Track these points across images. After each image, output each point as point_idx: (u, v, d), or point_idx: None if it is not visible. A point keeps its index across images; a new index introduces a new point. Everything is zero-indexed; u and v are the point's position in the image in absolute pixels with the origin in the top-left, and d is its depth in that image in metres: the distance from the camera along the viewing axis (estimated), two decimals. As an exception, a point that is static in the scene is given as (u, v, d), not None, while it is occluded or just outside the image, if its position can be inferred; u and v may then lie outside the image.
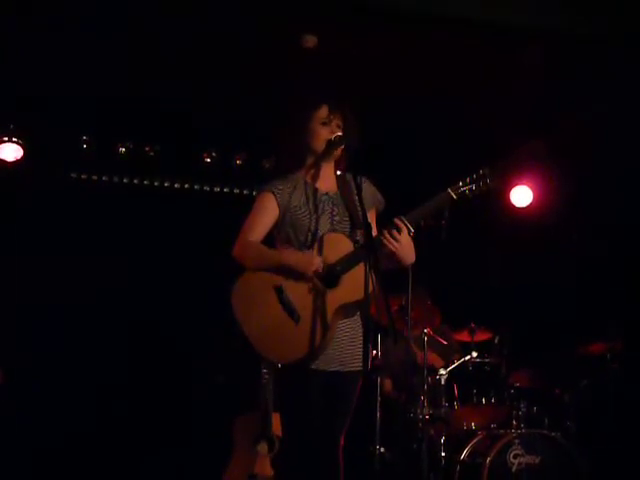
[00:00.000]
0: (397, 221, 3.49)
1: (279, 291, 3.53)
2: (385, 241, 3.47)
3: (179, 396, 6.32)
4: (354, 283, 3.44)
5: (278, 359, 3.60)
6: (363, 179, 3.74)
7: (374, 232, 3.50)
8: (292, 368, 3.55)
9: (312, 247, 3.60)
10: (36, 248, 6.36)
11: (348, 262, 3.52)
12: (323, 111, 3.73)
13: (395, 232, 3.46)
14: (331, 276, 3.52)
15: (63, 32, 5.38)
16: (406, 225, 3.49)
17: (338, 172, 3.80)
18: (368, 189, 3.75)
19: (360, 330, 3.57)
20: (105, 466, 6.08)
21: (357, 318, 3.62)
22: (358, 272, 3.42)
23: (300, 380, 3.55)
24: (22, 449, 6.01)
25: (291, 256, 3.59)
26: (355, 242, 3.56)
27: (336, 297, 3.50)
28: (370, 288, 3.36)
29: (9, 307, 6.13)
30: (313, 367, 3.53)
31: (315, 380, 3.54)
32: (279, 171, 3.92)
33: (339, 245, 3.56)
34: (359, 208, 3.47)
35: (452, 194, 3.52)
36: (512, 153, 6.56)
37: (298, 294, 3.51)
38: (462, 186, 3.53)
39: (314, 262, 3.50)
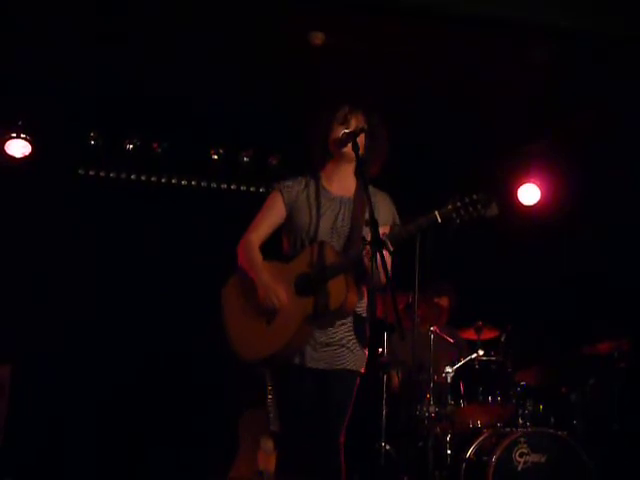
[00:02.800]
0: (385, 241, 3.45)
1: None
2: (366, 260, 3.45)
3: (188, 393, 6.35)
4: (328, 293, 3.50)
5: (244, 356, 3.66)
6: (384, 195, 3.75)
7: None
8: (283, 367, 3.61)
9: (311, 250, 3.60)
10: (43, 243, 6.37)
11: (326, 273, 3.53)
12: (344, 111, 3.71)
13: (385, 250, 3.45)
14: (306, 286, 3.56)
15: (71, 30, 5.39)
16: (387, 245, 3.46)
17: (350, 175, 3.79)
18: (387, 207, 3.75)
19: (352, 332, 3.62)
20: (116, 460, 6.14)
21: (349, 320, 3.63)
22: (335, 282, 3.49)
23: (292, 377, 3.60)
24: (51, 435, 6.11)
25: (263, 280, 3.61)
26: (344, 252, 3.58)
27: (307, 305, 3.53)
28: (343, 298, 3.44)
29: (18, 300, 6.17)
30: (307, 365, 3.56)
31: (301, 375, 3.57)
32: (286, 168, 3.94)
33: (324, 256, 3.57)
34: (367, 215, 3.43)
35: (437, 217, 3.44)
36: (520, 151, 6.60)
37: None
38: (451, 210, 3.42)
39: (272, 297, 3.56)
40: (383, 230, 3.57)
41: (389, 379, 5.47)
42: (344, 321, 3.60)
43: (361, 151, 3.61)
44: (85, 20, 5.24)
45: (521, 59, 5.50)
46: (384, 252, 3.36)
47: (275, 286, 3.57)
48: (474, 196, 3.42)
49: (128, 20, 5.24)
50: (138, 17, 5.23)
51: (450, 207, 3.43)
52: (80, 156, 6.67)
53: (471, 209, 3.42)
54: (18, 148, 6.39)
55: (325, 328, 3.57)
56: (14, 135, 6.36)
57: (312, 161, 3.84)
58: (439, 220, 3.44)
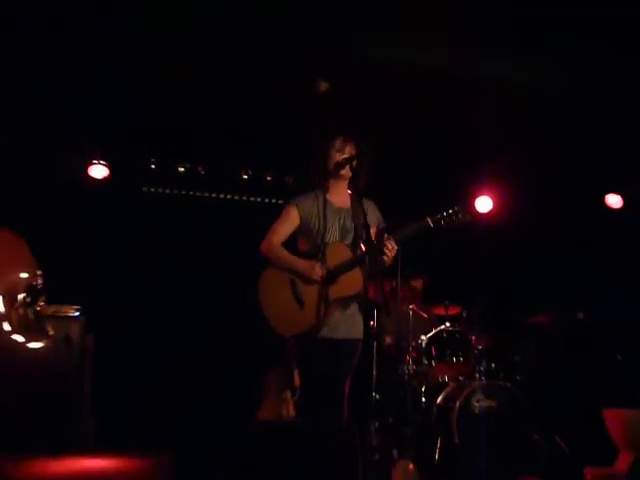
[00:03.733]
0: (390, 238, 3.52)
1: (292, 283, 3.59)
2: (386, 250, 3.48)
3: (228, 357, 6.36)
4: (348, 282, 3.52)
5: (283, 332, 3.63)
6: (370, 202, 3.74)
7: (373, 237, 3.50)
8: (305, 337, 3.60)
9: (320, 252, 3.61)
10: (117, 241, 6.43)
11: (344, 266, 3.55)
12: (338, 141, 3.71)
13: (390, 245, 3.49)
14: (331, 276, 3.56)
15: (134, 78, 5.37)
16: (394, 243, 3.51)
17: (349, 191, 3.77)
18: (374, 211, 3.74)
19: (358, 312, 3.63)
20: (173, 407, 6.09)
21: (355, 304, 3.64)
22: (353, 273, 3.51)
23: (309, 345, 3.60)
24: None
25: (299, 264, 3.61)
26: (353, 250, 3.58)
27: (333, 291, 3.54)
28: (362, 285, 3.44)
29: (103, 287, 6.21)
30: (323, 335, 3.56)
31: (321, 345, 3.57)
32: (303, 187, 3.93)
33: (340, 252, 3.58)
34: (363, 222, 3.45)
35: (430, 223, 3.50)
36: (477, 172, 6.59)
37: (306, 287, 3.57)
38: (439, 218, 3.49)
39: (315, 271, 3.55)
40: (373, 229, 3.61)
41: (379, 345, 5.51)
42: (354, 303, 3.62)
43: (353, 171, 3.64)
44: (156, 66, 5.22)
45: (479, 104, 5.45)
46: (394, 247, 3.44)
47: (313, 264, 3.56)
48: (455, 207, 3.50)
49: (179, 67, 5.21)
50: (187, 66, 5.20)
51: (438, 216, 3.49)
52: (143, 177, 6.68)
53: (454, 217, 3.50)
54: (99, 171, 6.42)
55: (345, 308, 3.59)
56: (95, 162, 6.38)
57: (313, 180, 3.83)
58: (431, 225, 3.49)
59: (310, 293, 3.55)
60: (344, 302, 3.58)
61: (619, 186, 6.68)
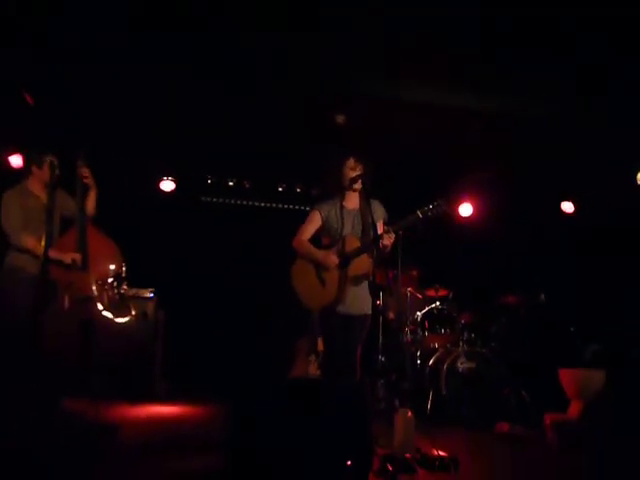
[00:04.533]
0: (389, 229, 3.57)
1: (317, 269, 3.64)
2: (385, 240, 3.49)
3: (268, 328, 6.38)
4: (359, 264, 3.55)
5: (310, 306, 3.68)
6: (377, 202, 3.73)
7: (380, 231, 3.52)
8: (325, 311, 3.61)
9: (338, 244, 3.63)
10: (184, 241, 6.43)
11: (355, 252, 3.57)
12: (351, 161, 3.71)
13: (388, 236, 3.54)
14: (345, 261, 3.60)
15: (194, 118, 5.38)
16: (391, 233, 3.51)
17: (358, 197, 3.79)
18: (379, 208, 3.73)
19: (367, 293, 3.62)
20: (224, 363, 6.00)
21: (365, 284, 3.65)
22: (363, 258, 3.54)
23: (330, 318, 3.60)
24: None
25: (319, 254, 3.64)
26: (362, 241, 3.60)
27: (347, 272, 3.56)
28: (371, 267, 3.48)
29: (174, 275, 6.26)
30: (340, 311, 3.56)
31: (339, 318, 3.57)
32: (324, 196, 3.97)
33: (352, 243, 3.61)
34: (370, 220, 3.51)
35: (419, 214, 3.48)
36: (460, 183, 6.59)
37: (326, 271, 3.61)
38: (426, 210, 3.47)
39: (331, 259, 3.58)
40: (380, 224, 3.62)
41: (384, 319, 5.52)
42: (364, 282, 3.67)
43: (362, 184, 3.67)
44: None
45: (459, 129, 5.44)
46: (392, 236, 3.44)
47: (329, 253, 3.62)
48: (437, 202, 3.48)
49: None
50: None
51: (425, 208, 3.48)
52: (202, 189, 6.71)
53: (436, 209, 3.48)
54: (168, 185, 6.45)
55: (357, 288, 3.61)
56: (165, 178, 6.42)
57: (331, 190, 3.84)
58: (420, 216, 3.47)
59: (330, 275, 3.59)
60: (356, 281, 3.59)
61: (572, 194, 6.66)
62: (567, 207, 6.69)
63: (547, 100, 5.01)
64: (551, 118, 5.23)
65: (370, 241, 3.48)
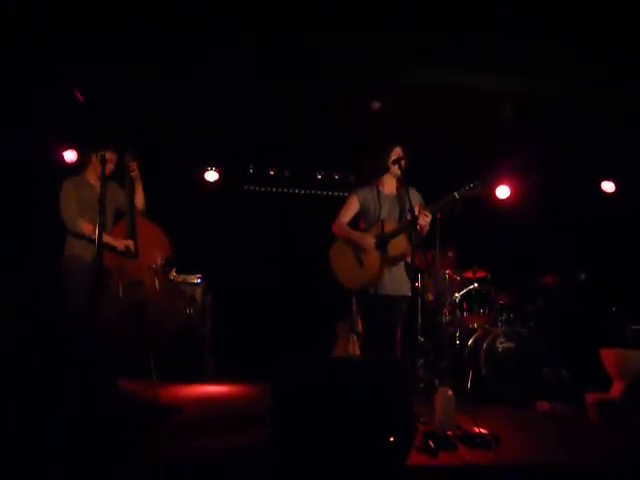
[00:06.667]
0: (426, 210, 3.54)
1: (355, 250, 3.67)
2: (421, 220, 3.52)
3: (311, 310, 6.36)
4: (396, 246, 3.57)
5: (349, 286, 3.71)
6: (412, 188, 3.77)
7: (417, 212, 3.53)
8: (364, 293, 3.66)
9: (375, 226, 3.66)
10: (226, 230, 6.48)
11: (392, 234, 3.60)
12: (398, 149, 3.76)
13: (424, 216, 3.50)
14: (383, 242, 3.61)
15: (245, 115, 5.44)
16: (428, 213, 3.52)
17: (396, 183, 3.83)
18: (415, 194, 3.77)
19: (405, 275, 3.65)
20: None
21: (401, 265, 3.66)
22: (399, 240, 3.55)
23: (369, 300, 3.66)
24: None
25: (357, 236, 3.68)
26: (399, 223, 3.62)
27: (385, 254, 3.58)
28: (407, 248, 3.45)
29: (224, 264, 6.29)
30: (378, 292, 3.59)
31: (378, 300, 3.61)
32: (362, 182, 3.97)
33: (390, 225, 3.65)
34: (408, 204, 3.52)
35: (456, 195, 3.50)
36: (498, 166, 6.47)
37: (364, 252, 3.64)
38: (463, 191, 3.49)
39: (369, 242, 3.61)
40: (417, 208, 3.63)
41: (423, 300, 5.49)
42: (401, 263, 3.65)
43: (401, 169, 3.69)
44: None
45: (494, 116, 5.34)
46: (429, 215, 3.43)
47: (366, 235, 3.65)
48: (475, 182, 3.50)
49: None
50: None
51: (462, 189, 3.49)
52: (244, 179, 6.75)
53: (474, 190, 3.48)
54: (212, 175, 6.47)
55: (394, 269, 3.62)
56: (209, 168, 6.46)
57: (369, 176, 3.90)
58: (457, 197, 3.48)
59: (368, 257, 3.62)
60: (393, 262, 3.61)
61: (612, 174, 6.44)
62: (608, 187, 6.49)
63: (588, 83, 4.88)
64: (589, 98, 5.09)
65: (407, 222, 3.47)
